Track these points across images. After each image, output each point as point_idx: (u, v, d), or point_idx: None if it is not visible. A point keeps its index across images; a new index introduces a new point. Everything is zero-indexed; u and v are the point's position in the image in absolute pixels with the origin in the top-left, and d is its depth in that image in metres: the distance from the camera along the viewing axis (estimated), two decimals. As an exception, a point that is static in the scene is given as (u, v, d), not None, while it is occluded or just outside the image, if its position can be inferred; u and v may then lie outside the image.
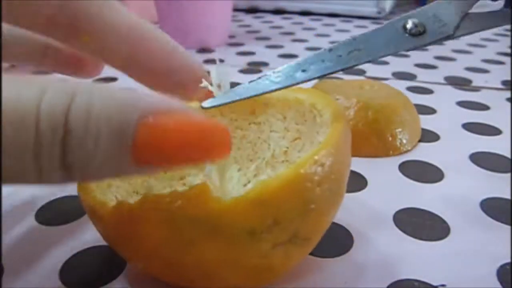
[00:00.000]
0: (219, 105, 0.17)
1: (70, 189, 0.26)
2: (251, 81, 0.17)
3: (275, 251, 0.14)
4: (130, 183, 0.20)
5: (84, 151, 0.09)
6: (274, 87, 0.17)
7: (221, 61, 0.56)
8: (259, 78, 0.17)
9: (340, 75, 0.49)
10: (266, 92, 0.17)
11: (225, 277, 0.15)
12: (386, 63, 0.54)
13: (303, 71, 0.17)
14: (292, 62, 0.17)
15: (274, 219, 0.14)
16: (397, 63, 0.54)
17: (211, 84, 0.17)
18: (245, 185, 0.22)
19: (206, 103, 0.17)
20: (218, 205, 0.13)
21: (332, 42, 0.65)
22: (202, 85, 0.17)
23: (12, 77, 0.09)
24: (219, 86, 0.17)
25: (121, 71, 0.17)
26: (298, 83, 0.17)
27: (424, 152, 0.30)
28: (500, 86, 0.46)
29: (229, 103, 0.17)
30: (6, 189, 0.26)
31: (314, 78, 0.17)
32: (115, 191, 0.18)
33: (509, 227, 0.22)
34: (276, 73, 0.17)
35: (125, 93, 0.10)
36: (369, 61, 0.17)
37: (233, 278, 0.15)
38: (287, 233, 0.14)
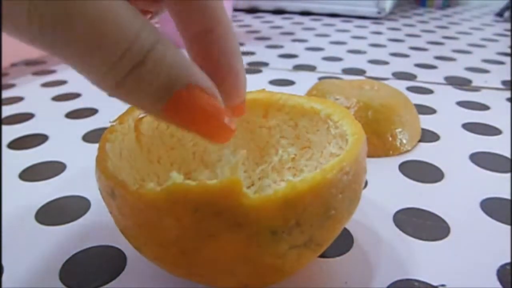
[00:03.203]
0: None
1: (70, 189, 0.26)
2: None
3: (289, 252, 0.15)
4: (139, 170, 0.20)
5: (141, 80, 0.12)
6: None
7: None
8: None
9: (340, 75, 0.49)
10: None
11: (237, 274, 0.15)
12: (386, 63, 0.54)
13: None
14: None
15: (296, 221, 0.14)
16: (397, 63, 0.54)
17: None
18: (248, 187, 0.22)
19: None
20: (248, 200, 0.13)
21: (332, 42, 0.65)
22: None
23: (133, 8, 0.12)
24: None
25: (182, 38, 0.17)
26: None
27: (424, 152, 0.30)
28: (500, 86, 0.46)
29: None
30: (6, 189, 0.26)
31: None
32: (125, 177, 0.18)
33: (509, 227, 0.22)
34: None
35: (186, 60, 0.13)
36: None
37: (245, 276, 0.15)
38: (304, 237, 0.14)
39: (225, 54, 0.16)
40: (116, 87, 0.12)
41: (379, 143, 0.30)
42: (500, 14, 0.91)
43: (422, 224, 0.22)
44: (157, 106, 0.12)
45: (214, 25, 0.16)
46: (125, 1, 0.12)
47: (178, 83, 0.12)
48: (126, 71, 0.12)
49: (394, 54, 0.58)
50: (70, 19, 0.11)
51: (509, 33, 0.74)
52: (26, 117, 0.37)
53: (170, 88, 0.12)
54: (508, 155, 0.30)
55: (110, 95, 0.13)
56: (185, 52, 0.15)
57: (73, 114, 0.37)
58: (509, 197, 0.25)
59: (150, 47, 0.12)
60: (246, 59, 0.55)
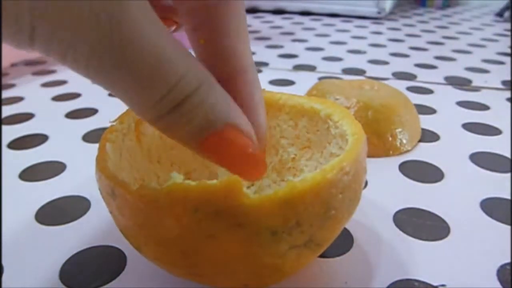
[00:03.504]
0: None
1: (70, 189, 0.26)
2: None
3: (289, 253, 0.15)
4: (139, 170, 0.20)
5: (179, 119, 0.13)
6: None
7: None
8: None
9: (340, 75, 0.49)
10: None
11: (237, 274, 0.15)
12: (386, 63, 0.54)
13: None
14: None
15: (296, 221, 0.14)
16: (397, 63, 0.54)
17: None
18: (248, 187, 0.22)
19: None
20: (248, 200, 0.13)
21: (332, 42, 0.65)
22: None
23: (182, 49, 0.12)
24: None
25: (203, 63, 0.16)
26: None
27: (424, 152, 0.30)
28: (500, 86, 0.46)
29: None
30: (6, 189, 0.26)
31: None
32: (125, 177, 0.18)
33: (509, 227, 0.22)
34: None
35: (227, 101, 0.14)
36: None
37: (244, 276, 0.15)
38: (304, 237, 0.14)
39: (247, 105, 0.16)
40: (156, 121, 0.13)
41: (379, 143, 0.30)
42: (500, 14, 0.91)
43: (422, 224, 0.22)
44: (193, 143, 0.13)
45: (240, 71, 0.15)
46: (176, 39, 0.12)
47: (216, 124, 0.13)
48: (167, 109, 0.12)
49: (394, 54, 0.58)
50: (125, 56, 0.11)
51: (509, 33, 0.74)
52: (26, 117, 0.37)
53: (206, 129, 0.13)
54: (508, 155, 0.30)
55: (151, 125, 0.13)
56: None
57: (73, 114, 0.37)
58: (509, 197, 0.25)
59: (193, 89, 0.12)
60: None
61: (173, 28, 0.19)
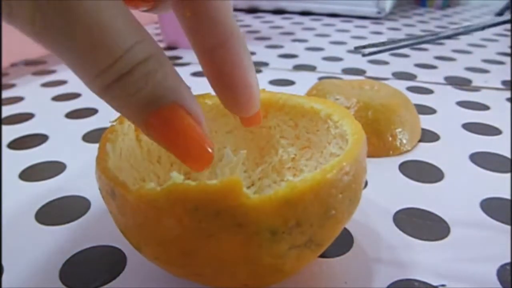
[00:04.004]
0: (379, 52, 0.18)
1: (70, 189, 0.26)
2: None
3: (289, 253, 0.15)
4: (138, 170, 0.20)
5: (125, 89, 0.12)
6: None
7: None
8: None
9: (340, 75, 0.49)
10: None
11: (237, 274, 0.15)
12: (386, 63, 0.54)
13: None
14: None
15: (296, 221, 0.14)
16: (397, 63, 0.54)
17: None
18: (248, 187, 0.22)
19: (367, 51, 0.17)
20: (248, 200, 0.13)
21: (332, 42, 0.65)
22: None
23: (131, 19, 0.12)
24: None
25: (195, 53, 0.17)
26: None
27: (424, 152, 0.30)
28: (500, 86, 0.46)
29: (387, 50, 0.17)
30: (6, 189, 0.26)
31: None
32: (125, 177, 0.18)
33: (509, 227, 0.22)
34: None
35: (177, 80, 0.13)
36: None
37: (244, 276, 0.15)
38: (304, 237, 0.14)
39: (239, 67, 0.16)
40: (102, 91, 0.12)
41: (379, 143, 0.30)
42: (500, 14, 0.91)
43: (422, 224, 0.22)
44: (138, 118, 0.13)
45: (226, 38, 0.16)
46: (130, 13, 0.12)
47: (163, 100, 0.13)
48: (113, 78, 0.12)
49: (394, 54, 0.58)
50: (70, 22, 0.11)
51: (509, 33, 0.74)
52: (26, 117, 0.37)
53: (153, 103, 0.13)
54: (508, 155, 0.30)
55: (99, 97, 0.13)
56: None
57: (73, 114, 0.37)
58: (509, 197, 0.25)
59: (140, 60, 0.12)
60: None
61: (147, 8, 0.19)
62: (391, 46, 0.18)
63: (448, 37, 0.20)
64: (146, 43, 0.12)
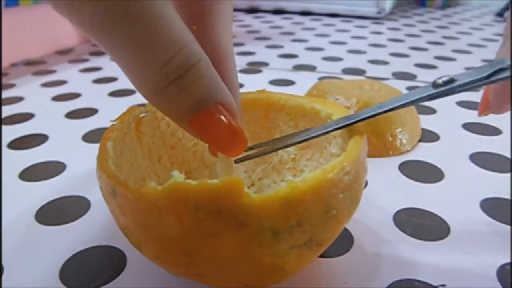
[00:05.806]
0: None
1: (70, 189, 0.26)
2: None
3: (290, 253, 0.15)
4: (139, 170, 0.20)
5: (181, 92, 0.13)
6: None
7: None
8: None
9: (340, 75, 0.49)
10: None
11: (237, 273, 0.15)
12: (386, 63, 0.54)
13: None
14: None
15: (297, 221, 0.14)
16: (397, 63, 0.54)
17: None
18: (249, 187, 0.22)
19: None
20: (249, 200, 0.13)
21: (332, 42, 0.65)
22: None
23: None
24: None
25: None
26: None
27: (424, 152, 0.30)
28: (500, 86, 0.46)
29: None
30: (6, 189, 0.26)
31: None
32: (126, 176, 0.18)
33: (509, 227, 0.22)
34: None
35: (219, 78, 0.14)
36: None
37: (245, 275, 0.15)
38: (305, 237, 0.14)
39: (231, 88, 0.17)
40: (156, 93, 0.13)
41: (379, 143, 0.30)
42: (500, 14, 0.91)
43: (422, 224, 0.22)
44: (184, 118, 0.14)
45: (223, 58, 0.17)
46: (177, 14, 0.13)
47: (209, 102, 0.14)
48: (169, 80, 0.13)
49: (394, 54, 0.58)
50: (128, 21, 0.12)
51: (509, 33, 0.74)
52: (26, 117, 0.37)
53: (201, 106, 0.13)
54: (508, 155, 0.30)
55: (149, 101, 0.14)
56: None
57: (73, 114, 0.37)
58: (509, 197, 0.25)
59: (194, 62, 0.13)
60: (246, 59, 0.55)
61: None
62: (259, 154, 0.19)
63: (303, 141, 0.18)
64: (196, 44, 0.13)
